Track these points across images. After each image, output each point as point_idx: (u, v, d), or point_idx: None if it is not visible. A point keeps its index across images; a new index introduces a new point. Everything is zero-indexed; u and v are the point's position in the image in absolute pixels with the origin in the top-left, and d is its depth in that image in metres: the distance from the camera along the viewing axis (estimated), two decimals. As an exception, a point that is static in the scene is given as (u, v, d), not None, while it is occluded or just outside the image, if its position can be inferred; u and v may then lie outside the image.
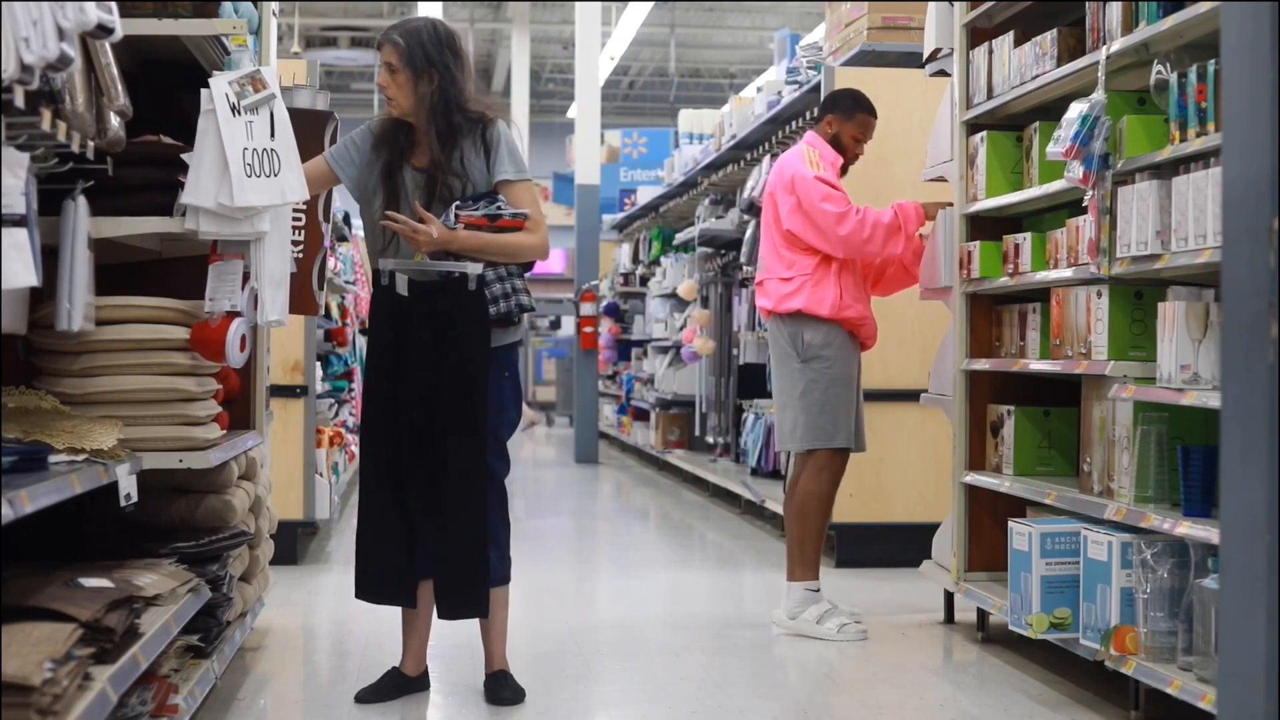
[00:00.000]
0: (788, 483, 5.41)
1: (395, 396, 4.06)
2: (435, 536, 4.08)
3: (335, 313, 8.07)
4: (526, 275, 4.17)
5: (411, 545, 4.12)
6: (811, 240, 5.11)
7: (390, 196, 4.04)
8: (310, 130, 4.05)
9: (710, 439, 10.14)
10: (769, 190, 5.33)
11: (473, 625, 4.25)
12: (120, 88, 3.12)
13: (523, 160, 4.11)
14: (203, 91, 3.55)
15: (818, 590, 5.10)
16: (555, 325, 21.12)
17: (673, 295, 11.21)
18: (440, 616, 4.15)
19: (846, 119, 5.27)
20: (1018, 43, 4.66)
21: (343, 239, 8.94)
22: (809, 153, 5.20)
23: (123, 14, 2.88)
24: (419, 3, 16.41)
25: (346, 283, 8.74)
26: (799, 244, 5.13)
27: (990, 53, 4.86)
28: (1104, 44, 4.04)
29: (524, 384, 18.98)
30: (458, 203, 3.98)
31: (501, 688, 4.14)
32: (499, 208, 3.98)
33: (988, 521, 4.97)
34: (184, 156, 3.56)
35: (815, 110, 6.94)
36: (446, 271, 4.00)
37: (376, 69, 4.20)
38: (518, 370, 4.21)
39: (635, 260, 13.55)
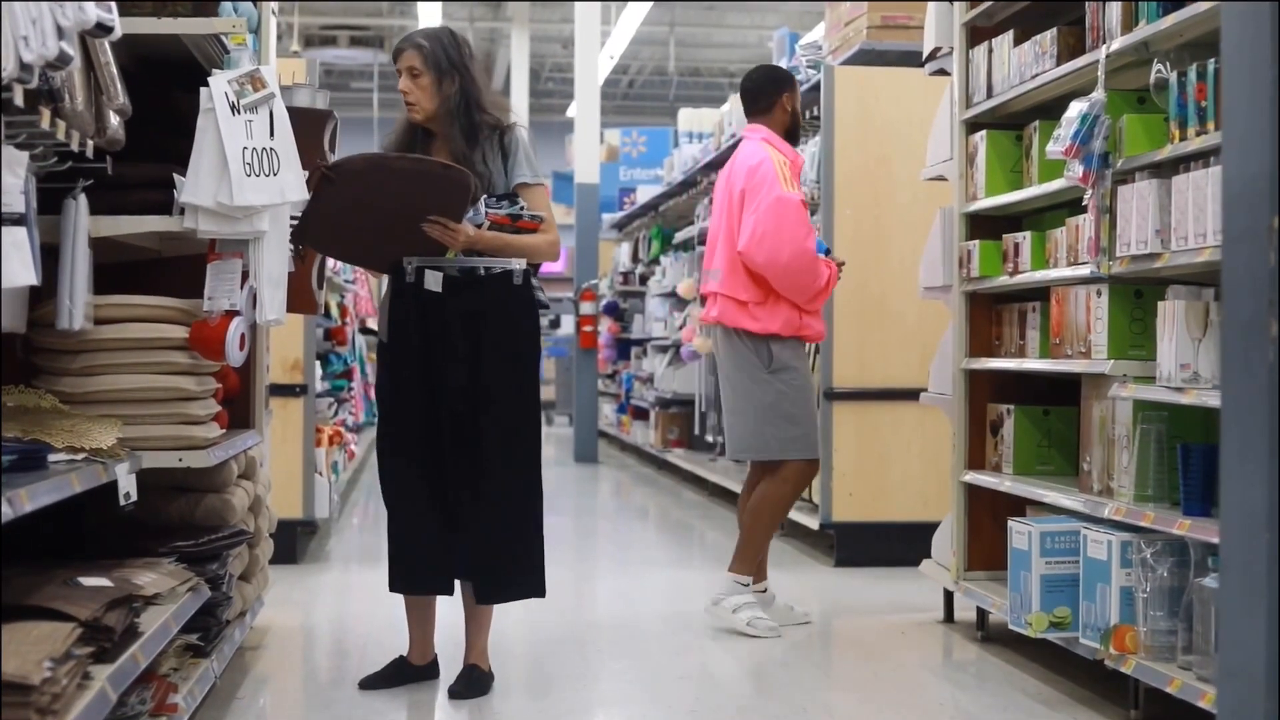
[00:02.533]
0: (745, 486, 5.41)
1: (430, 391, 4.09)
2: (483, 525, 4.11)
3: (335, 312, 8.08)
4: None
5: (448, 535, 4.15)
6: (763, 268, 5.05)
7: None
8: (310, 129, 4.05)
9: (710, 438, 10.14)
10: (726, 192, 5.21)
11: (496, 618, 4.30)
12: (119, 86, 3.12)
13: (538, 165, 4.25)
14: (202, 90, 3.55)
15: (747, 585, 5.15)
16: (555, 324, 21.09)
17: (672, 294, 11.21)
18: (491, 601, 4.18)
19: (791, 93, 5.32)
20: (1017, 41, 4.66)
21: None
22: (777, 160, 5.09)
23: (122, 13, 2.88)
24: (418, 2, 16.41)
25: (346, 282, 8.74)
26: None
27: (990, 51, 4.86)
28: (1104, 43, 4.04)
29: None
30: (485, 197, 4.08)
31: (458, 680, 4.17)
32: (520, 208, 4.11)
33: (987, 520, 4.97)
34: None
35: (816, 109, 6.96)
36: (487, 267, 4.08)
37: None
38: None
39: (635, 259, 13.54)
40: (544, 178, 4.27)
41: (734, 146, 8.84)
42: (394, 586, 4.24)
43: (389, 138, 4.29)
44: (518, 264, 4.11)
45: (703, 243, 9.92)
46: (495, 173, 4.16)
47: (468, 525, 4.12)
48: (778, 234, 5.00)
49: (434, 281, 4.07)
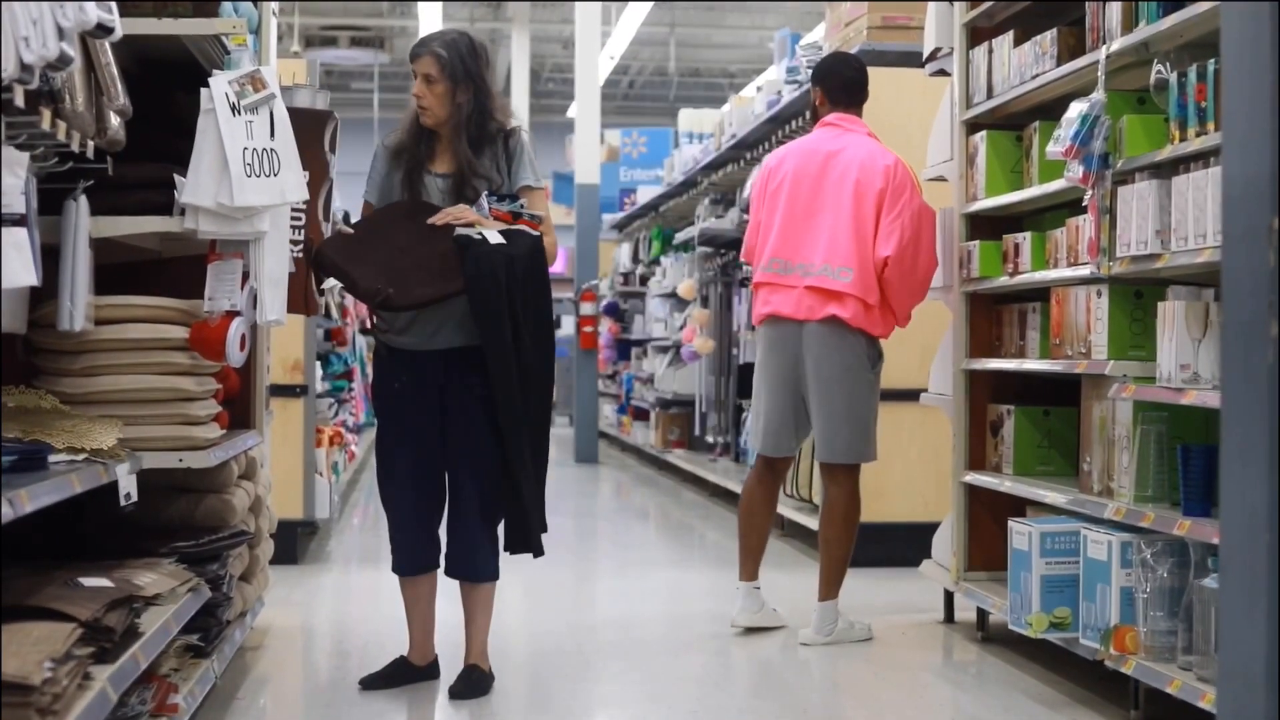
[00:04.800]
0: (756, 486, 5.26)
1: (518, 343, 4.03)
2: (526, 477, 4.09)
3: (335, 312, 8.07)
4: None
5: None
6: (899, 277, 4.86)
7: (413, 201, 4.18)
8: (310, 130, 4.05)
9: (710, 438, 10.14)
10: (855, 189, 4.89)
11: (494, 619, 4.29)
12: (120, 87, 3.12)
13: (539, 169, 4.29)
14: (202, 91, 3.55)
15: (836, 603, 5.04)
16: (555, 324, 21.12)
17: (672, 295, 11.21)
18: (518, 550, 4.19)
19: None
20: (1018, 42, 4.66)
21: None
22: (907, 163, 4.96)
23: (122, 13, 2.88)
24: (419, 3, 16.41)
25: (346, 282, 8.73)
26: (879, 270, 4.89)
27: (990, 52, 4.86)
28: (1104, 43, 4.04)
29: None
30: (487, 193, 4.13)
31: (458, 680, 4.17)
32: (521, 206, 4.16)
33: (987, 521, 4.96)
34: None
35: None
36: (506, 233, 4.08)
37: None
38: None
39: (635, 260, 13.55)
40: (544, 180, 4.31)
41: (735, 147, 8.90)
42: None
43: (393, 136, 4.28)
44: (532, 233, 4.11)
45: (704, 242, 9.96)
46: (499, 176, 4.20)
47: (513, 479, 4.10)
48: (917, 243, 4.85)
49: (495, 236, 4.02)
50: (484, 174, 4.16)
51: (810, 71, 7.10)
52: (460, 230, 4.02)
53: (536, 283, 4.09)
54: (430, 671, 4.29)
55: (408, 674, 4.26)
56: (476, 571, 4.17)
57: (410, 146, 4.22)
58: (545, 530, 4.21)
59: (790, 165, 5.07)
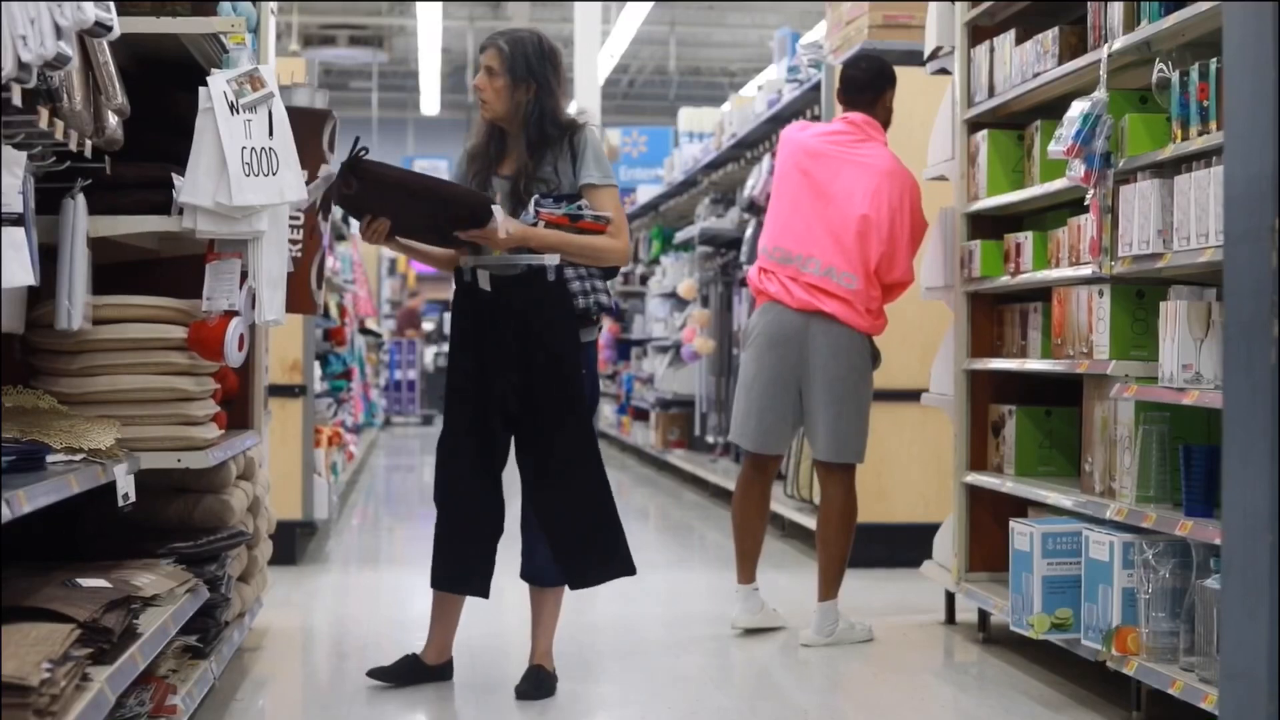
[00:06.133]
0: (749, 486, 5.22)
1: (486, 390, 4.11)
2: (554, 518, 4.12)
3: (334, 312, 8.07)
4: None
5: (495, 534, 4.21)
6: (901, 276, 4.99)
7: None
8: (309, 129, 4.04)
9: (710, 439, 10.13)
10: (874, 198, 4.92)
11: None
12: (118, 86, 3.11)
13: (608, 166, 4.21)
14: (201, 90, 3.54)
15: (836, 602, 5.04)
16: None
17: (673, 294, 11.20)
18: (574, 587, 4.21)
19: (893, 91, 5.20)
20: (1019, 41, 4.65)
21: (341, 238, 8.94)
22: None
23: (121, 12, 2.88)
24: (418, 2, 16.41)
25: (345, 282, 8.74)
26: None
27: (991, 51, 4.85)
28: (1105, 42, 4.03)
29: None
30: (537, 197, 4.10)
31: (524, 680, 4.16)
32: (580, 208, 4.10)
33: (989, 522, 4.95)
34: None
35: (817, 109, 6.94)
36: (526, 265, 4.08)
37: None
38: (595, 368, 4.28)
39: (635, 259, 13.54)
40: (613, 179, 4.20)
41: (736, 146, 8.88)
42: (441, 585, 4.23)
43: (470, 140, 4.30)
44: (550, 259, 4.06)
45: (704, 242, 9.94)
46: (564, 176, 4.14)
47: (537, 517, 4.15)
48: (895, 252, 4.96)
49: (484, 280, 4.10)
50: (543, 177, 4.12)
51: (810, 71, 7.09)
52: (464, 259, 4.12)
53: (550, 340, 4.08)
54: (444, 672, 4.27)
55: (419, 673, 4.22)
56: (545, 576, 4.21)
57: (482, 149, 4.22)
58: (616, 566, 4.21)
59: (816, 147, 5.07)
